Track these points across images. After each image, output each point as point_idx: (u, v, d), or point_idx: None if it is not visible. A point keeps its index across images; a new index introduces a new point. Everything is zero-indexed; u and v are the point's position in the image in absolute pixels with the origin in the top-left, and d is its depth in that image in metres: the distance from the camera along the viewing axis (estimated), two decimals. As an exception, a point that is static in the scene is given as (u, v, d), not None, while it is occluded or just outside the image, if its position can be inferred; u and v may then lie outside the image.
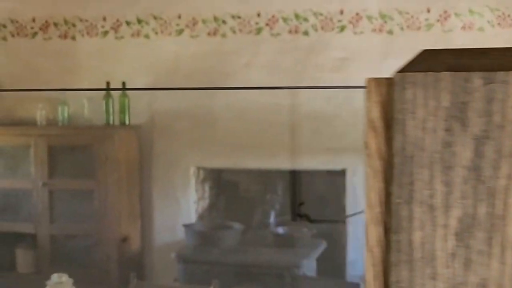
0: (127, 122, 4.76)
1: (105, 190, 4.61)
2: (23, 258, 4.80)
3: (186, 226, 4.58)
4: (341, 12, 4.58)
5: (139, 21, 4.90)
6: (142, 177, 4.91)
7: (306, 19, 4.63)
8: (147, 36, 4.89)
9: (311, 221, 4.35)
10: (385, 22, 4.50)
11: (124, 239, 4.62)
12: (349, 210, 4.62)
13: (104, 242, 4.66)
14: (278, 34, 4.68)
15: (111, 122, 4.73)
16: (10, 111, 4.85)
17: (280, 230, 4.60)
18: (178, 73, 4.84)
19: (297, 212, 4.48)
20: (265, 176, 5.01)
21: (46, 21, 5.08)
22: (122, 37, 4.94)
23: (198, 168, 4.88)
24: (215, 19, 4.76)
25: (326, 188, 4.87)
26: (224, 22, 4.75)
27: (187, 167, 4.85)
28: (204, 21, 4.78)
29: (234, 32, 4.75)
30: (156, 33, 4.88)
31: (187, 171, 4.85)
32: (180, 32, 4.82)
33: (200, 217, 4.91)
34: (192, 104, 4.82)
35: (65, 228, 4.75)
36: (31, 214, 4.73)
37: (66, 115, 4.75)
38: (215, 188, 5.04)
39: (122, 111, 4.74)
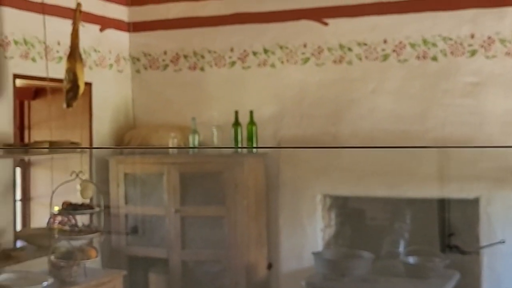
0: (254, 149, 4.85)
1: (234, 217, 4.71)
2: (155, 283, 4.98)
3: (315, 254, 4.58)
4: (472, 36, 4.46)
5: (266, 51, 5.01)
6: (269, 204, 4.98)
7: (434, 45, 4.55)
8: (273, 66, 5.00)
9: (462, 252, 4.22)
10: (520, 44, 4.34)
11: (269, 266, 4.71)
12: (483, 240, 4.44)
13: (232, 269, 4.74)
14: (405, 60, 4.62)
15: (239, 150, 4.84)
16: (145, 140, 5.07)
17: (411, 260, 4.50)
18: (304, 101, 4.90)
19: (447, 243, 4.37)
20: (392, 204, 4.92)
21: (177, 54, 5.31)
22: (249, 67, 5.07)
23: (325, 196, 4.88)
24: (341, 47, 4.79)
25: (458, 217, 4.71)
26: (349, 49, 4.76)
27: (314, 194, 4.86)
28: (329, 49, 4.82)
29: (360, 59, 4.75)
30: (282, 62, 4.97)
31: (313, 199, 4.87)
32: (305, 60, 4.88)
33: (327, 244, 4.90)
34: (318, 131, 4.85)
35: (196, 254, 4.87)
36: (164, 240, 4.91)
37: (196, 143, 4.91)
38: (341, 215, 5.02)
39: (250, 138, 4.84)
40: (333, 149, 4.80)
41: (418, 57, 4.60)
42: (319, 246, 4.84)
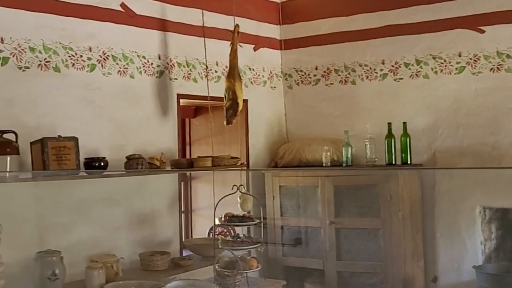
0: (409, 161, 4.80)
1: (390, 229, 4.69)
2: (311, 293, 5.07)
3: (477, 268, 4.44)
4: None
5: (418, 62, 4.97)
6: (425, 216, 4.91)
7: None
8: (426, 76, 4.94)
9: None
10: None
11: (434, 279, 4.66)
12: None
13: (389, 281, 4.72)
14: None
15: (393, 161, 4.81)
16: (298, 153, 5.20)
17: None
18: (460, 111, 4.80)
19: None
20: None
21: (328, 68, 5.42)
22: (401, 79, 5.06)
23: (484, 208, 4.72)
24: (499, 54, 4.63)
25: None
26: (508, 56, 4.60)
27: (472, 206, 4.73)
28: (486, 57, 4.68)
29: (519, 66, 4.58)
30: (436, 72, 4.90)
31: (472, 211, 4.73)
32: (461, 70, 4.79)
33: (487, 258, 4.73)
34: (475, 141, 4.73)
35: (351, 265, 4.91)
36: (319, 251, 4.99)
37: (349, 156, 4.96)
38: (502, 228, 4.81)
39: (404, 150, 4.81)
40: (493, 159, 4.63)
41: None
42: (479, 260, 4.69)
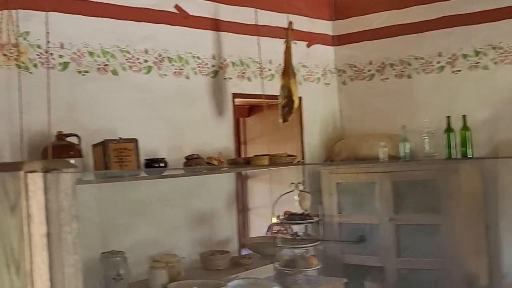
0: (469, 155, 4.68)
1: (451, 225, 4.59)
2: (372, 290, 5.00)
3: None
4: None
5: (477, 53, 4.85)
6: (488, 212, 4.78)
7: None
8: (485, 67, 4.82)
9: None
10: None
11: (504, 276, 4.56)
12: None
13: (451, 278, 4.62)
14: None
15: (453, 156, 4.70)
16: (354, 150, 5.15)
17: None
18: (521, 102, 4.67)
19: None
20: None
21: (382, 63, 5.34)
22: (459, 71, 4.94)
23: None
24: (562, 42, 4.48)
25: None
26: None
27: (538, 200, 4.59)
28: (548, 46, 4.54)
29: None
30: (496, 63, 4.77)
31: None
32: (523, 59, 4.65)
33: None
34: (539, 133, 4.59)
35: (412, 262, 4.82)
36: (379, 248, 4.92)
37: (407, 151, 4.86)
38: None
39: (464, 144, 4.69)
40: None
41: None
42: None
